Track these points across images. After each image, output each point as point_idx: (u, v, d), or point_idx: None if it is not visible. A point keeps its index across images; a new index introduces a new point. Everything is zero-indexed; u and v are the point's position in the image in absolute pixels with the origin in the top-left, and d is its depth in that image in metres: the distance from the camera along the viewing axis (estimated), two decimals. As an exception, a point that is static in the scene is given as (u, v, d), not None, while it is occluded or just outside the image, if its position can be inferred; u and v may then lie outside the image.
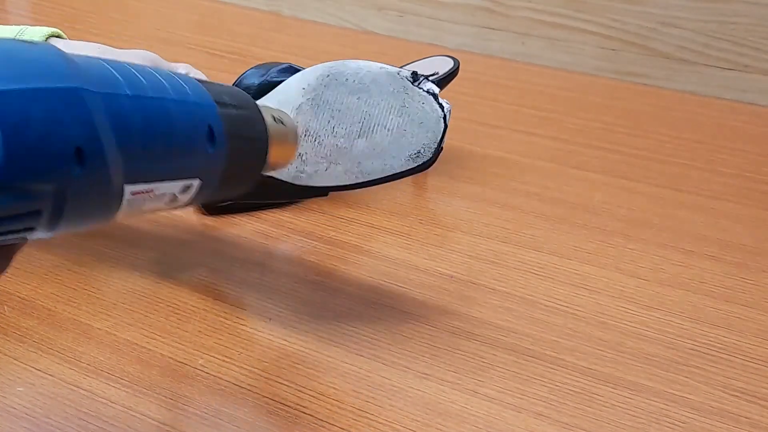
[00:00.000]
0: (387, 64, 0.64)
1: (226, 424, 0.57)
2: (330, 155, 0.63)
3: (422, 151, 0.61)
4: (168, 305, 0.68)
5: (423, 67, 0.91)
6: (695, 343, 0.65)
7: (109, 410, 0.57)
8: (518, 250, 0.77)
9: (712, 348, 0.65)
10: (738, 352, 0.64)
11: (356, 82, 0.61)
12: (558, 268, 0.74)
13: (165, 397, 0.59)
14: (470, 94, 1.10)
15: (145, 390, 0.59)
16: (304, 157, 0.64)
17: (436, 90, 0.61)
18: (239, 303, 0.69)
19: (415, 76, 0.60)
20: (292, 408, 0.58)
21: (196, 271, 0.73)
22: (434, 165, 0.92)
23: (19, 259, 0.72)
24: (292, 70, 0.78)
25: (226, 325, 0.66)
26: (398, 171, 0.63)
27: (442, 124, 0.61)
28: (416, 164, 0.62)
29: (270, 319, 0.67)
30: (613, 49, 1.18)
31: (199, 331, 0.65)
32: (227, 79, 1.15)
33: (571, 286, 0.72)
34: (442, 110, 0.61)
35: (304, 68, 0.78)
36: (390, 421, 0.57)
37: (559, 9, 1.20)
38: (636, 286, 0.72)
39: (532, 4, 1.22)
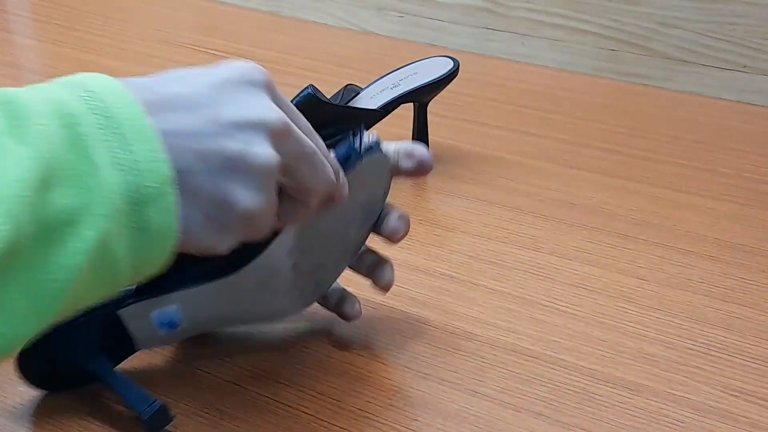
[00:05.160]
0: None
1: (226, 424, 0.57)
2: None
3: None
4: (168, 305, 0.69)
5: (423, 68, 0.91)
6: (695, 343, 0.65)
7: (110, 410, 0.58)
8: (518, 250, 0.77)
9: (712, 348, 0.65)
10: (737, 352, 0.64)
11: None
12: (557, 269, 0.74)
13: (165, 397, 0.59)
14: (470, 94, 1.10)
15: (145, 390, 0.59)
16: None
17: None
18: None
19: None
20: (292, 408, 0.58)
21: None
22: (434, 165, 0.92)
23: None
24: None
25: (227, 325, 0.66)
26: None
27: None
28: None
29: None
30: (613, 50, 1.18)
31: (200, 331, 0.66)
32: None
33: (571, 286, 0.72)
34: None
35: None
36: (390, 421, 0.57)
37: (559, 9, 1.20)
38: (635, 286, 0.72)
39: (532, 5, 1.22)
